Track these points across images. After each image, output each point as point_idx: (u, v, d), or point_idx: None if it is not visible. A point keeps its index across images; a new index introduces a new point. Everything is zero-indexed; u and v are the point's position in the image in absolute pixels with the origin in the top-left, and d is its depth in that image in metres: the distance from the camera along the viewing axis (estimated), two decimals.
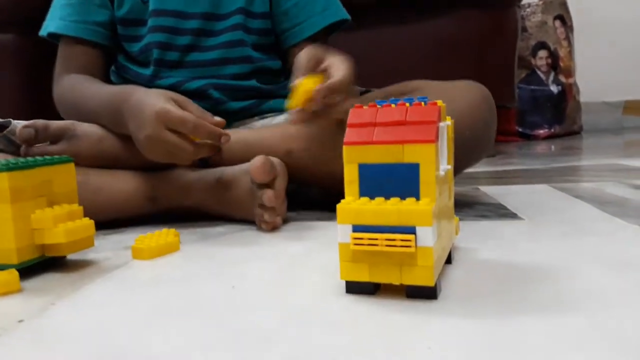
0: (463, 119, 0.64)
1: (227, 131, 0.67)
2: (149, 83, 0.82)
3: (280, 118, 0.84)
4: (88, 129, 0.73)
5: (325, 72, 0.66)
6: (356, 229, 0.40)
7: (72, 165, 0.56)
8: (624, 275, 0.44)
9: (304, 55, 0.67)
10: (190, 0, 0.84)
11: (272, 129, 0.77)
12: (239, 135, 0.74)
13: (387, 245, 0.39)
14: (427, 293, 0.40)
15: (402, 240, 0.38)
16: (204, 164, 0.74)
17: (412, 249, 0.38)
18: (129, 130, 0.68)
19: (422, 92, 0.70)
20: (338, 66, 0.65)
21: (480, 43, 1.48)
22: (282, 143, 0.72)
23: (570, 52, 2.03)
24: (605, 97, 2.37)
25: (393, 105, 0.43)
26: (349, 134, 0.42)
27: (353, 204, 0.40)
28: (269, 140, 0.73)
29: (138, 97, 0.67)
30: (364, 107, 0.43)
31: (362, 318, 0.38)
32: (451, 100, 0.60)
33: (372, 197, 0.41)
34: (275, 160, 0.67)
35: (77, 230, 0.52)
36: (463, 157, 0.61)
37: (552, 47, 1.97)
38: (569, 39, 2.02)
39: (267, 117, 0.86)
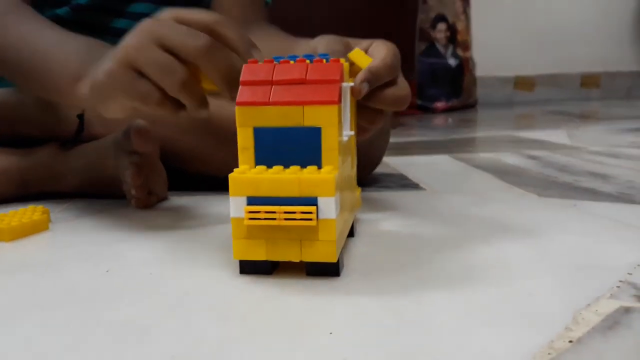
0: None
1: None
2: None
3: None
4: None
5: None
6: (251, 201, 0.35)
7: None
8: (529, 243, 0.43)
9: (327, 41, 0.45)
10: None
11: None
12: None
13: (285, 219, 0.34)
14: (329, 270, 0.36)
15: (302, 212, 0.34)
16: (75, 140, 0.65)
17: (314, 222, 0.34)
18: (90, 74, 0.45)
19: None
20: (378, 47, 0.46)
21: (382, 13, 1.46)
22: None
23: (468, 26, 2.08)
24: (498, 72, 2.47)
25: (292, 62, 0.38)
26: (242, 93, 0.37)
27: (248, 173, 0.35)
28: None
29: None
30: (259, 63, 0.38)
31: (257, 303, 0.33)
32: None
33: (269, 166, 0.37)
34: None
35: None
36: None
37: (450, 21, 2.01)
38: (466, 12, 2.06)
39: None
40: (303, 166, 0.36)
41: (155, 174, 0.58)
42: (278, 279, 0.36)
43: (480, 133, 1.34)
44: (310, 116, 0.36)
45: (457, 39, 2.03)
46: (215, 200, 0.62)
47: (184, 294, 0.35)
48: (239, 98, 0.37)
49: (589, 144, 0.98)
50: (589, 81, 2.57)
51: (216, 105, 0.50)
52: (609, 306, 0.31)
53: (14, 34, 0.53)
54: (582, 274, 0.36)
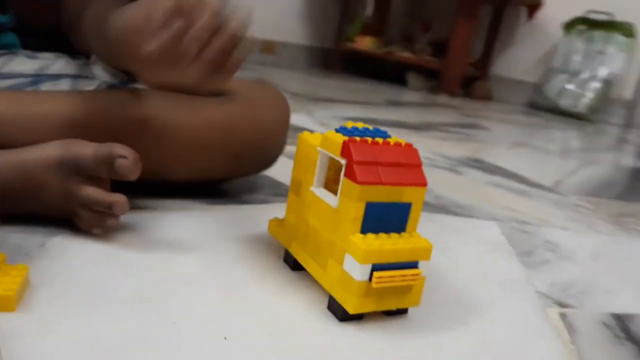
0: (269, 133, 0.67)
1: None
2: None
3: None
4: None
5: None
6: (376, 267, 0.42)
7: None
8: None
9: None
10: None
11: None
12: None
13: (401, 281, 0.43)
14: (401, 310, 0.47)
15: (412, 275, 0.44)
16: None
17: (418, 281, 0.44)
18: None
19: (235, 95, 0.65)
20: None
21: None
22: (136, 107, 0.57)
23: None
24: None
25: (379, 140, 0.45)
26: (359, 172, 0.43)
27: (373, 245, 0.42)
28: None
29: None
30: (357, 140, 0.44)
31: (393, 345, 0.42)
32: (260, 112, 0.66)
33: (373, 232, 0.44)
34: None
35: None
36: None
37: None
38: None
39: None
40: (396, 232, 0.45)
41: None
42: (369, 322, 0.45)
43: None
44: (407, 194, 0.45)
45: None
46: (183, 215, 0.58)
47: (322, 355, 0.40)
48: (359, 177, 0.42)
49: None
50: (267, 47, 2.90)
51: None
52: None
53: None
54: None
